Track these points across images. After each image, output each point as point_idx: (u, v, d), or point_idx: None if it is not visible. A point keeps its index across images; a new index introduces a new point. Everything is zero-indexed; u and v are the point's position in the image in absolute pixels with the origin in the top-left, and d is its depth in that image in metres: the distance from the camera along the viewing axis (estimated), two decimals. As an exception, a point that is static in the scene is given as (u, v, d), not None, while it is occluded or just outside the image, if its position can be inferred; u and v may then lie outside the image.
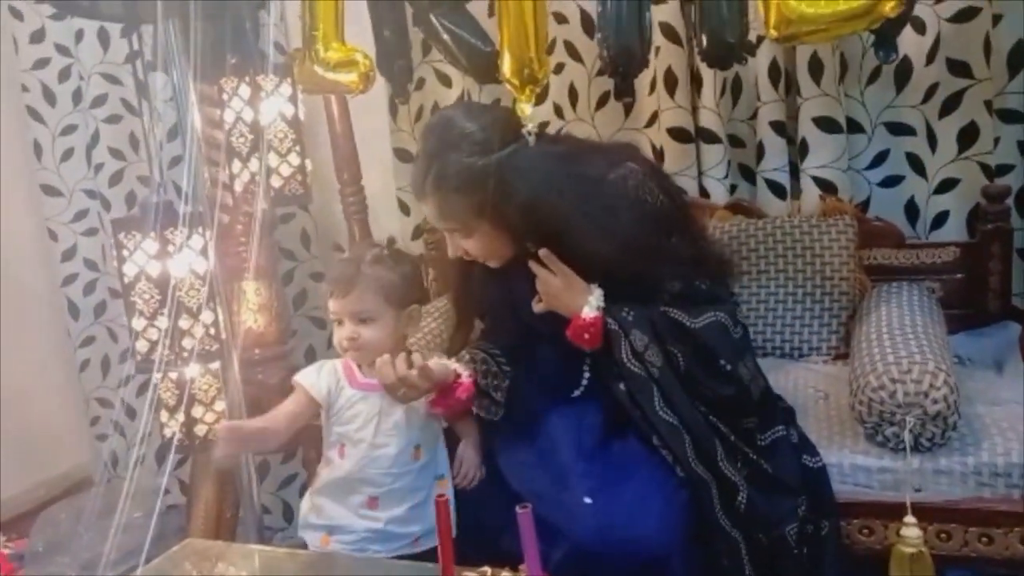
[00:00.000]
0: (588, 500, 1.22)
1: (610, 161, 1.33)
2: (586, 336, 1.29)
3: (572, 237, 1.27)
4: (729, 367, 1.30)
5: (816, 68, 1.87)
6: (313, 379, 1.29)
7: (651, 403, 1.27)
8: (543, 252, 1.30)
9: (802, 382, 1.65)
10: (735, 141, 2.02)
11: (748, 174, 2.04)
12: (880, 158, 1.93)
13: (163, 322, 1.18)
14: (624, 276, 1.29)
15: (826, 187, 1.90)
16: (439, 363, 1.29)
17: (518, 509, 0.89)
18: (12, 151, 2.35)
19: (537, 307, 1.34)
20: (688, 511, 1.24)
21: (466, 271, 1.44)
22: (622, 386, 1.29)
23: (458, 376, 1.30)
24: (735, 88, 2.00)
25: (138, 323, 1.22)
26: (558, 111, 2.16)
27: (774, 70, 1.90)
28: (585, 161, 1.33)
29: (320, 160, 2.03)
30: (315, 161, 1.74)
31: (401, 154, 2.30)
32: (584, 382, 1.39)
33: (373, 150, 2.20)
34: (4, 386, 2.26)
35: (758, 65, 1.91)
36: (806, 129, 1.90)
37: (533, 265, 1.32)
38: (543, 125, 2.11)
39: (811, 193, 1.91)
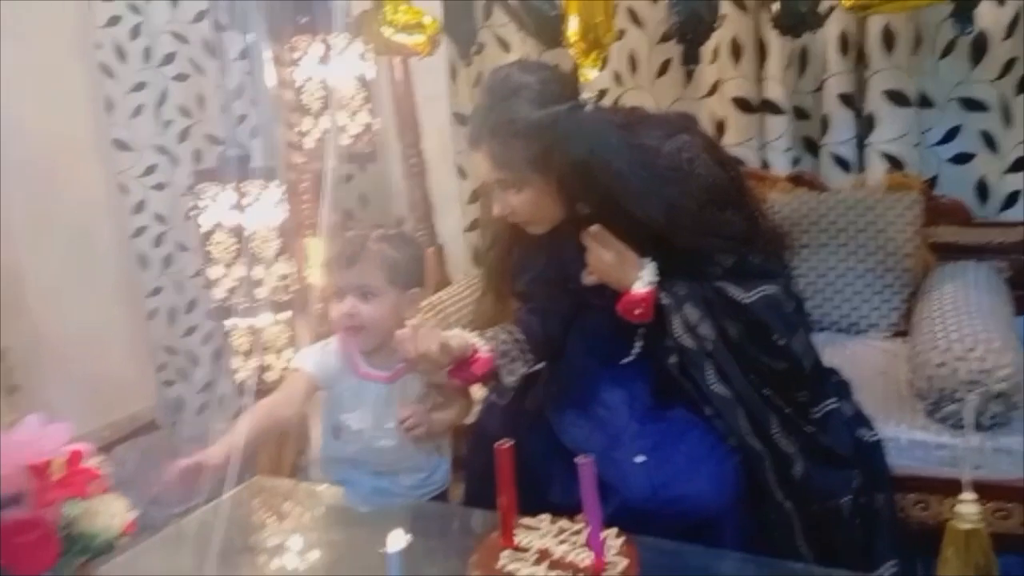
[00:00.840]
0: (640, 459, 1.24)
1: (665, 131, 1.32)
2: (637, 311, 1.29)
3: (625, 203, 1.26)
4: (782, 341, 1.29)
5: (888, 39, 1.82)
6: (316, 361, 1.29)
7: (704, 377, 1.28)
8: (594, 227, 1.30)
9: (860, 358, 1.64)
10: (800, 113, 1.99)
11: (811, 147, 2.00)
12: (951, 134, 1.88)
13: (238, 271, 1.23)
14: (675, 248, 1.29)
15: (893, 162, 1.86)
16: (459, 336, 1.29)
17: (579, 460, 0.92)
18: (85, 107, 2.43)
19: (588, 279, 1.34)
20: (739, 476, 1.25)
21: (509, 237, 1.43)
22: (674, 359, 1.30)
23: (476, 351, 1.30)
24: (802, 59, 1.96)
25: (214, 272, 1.26)
26: (617, 78, 2.14)
27: (843, 41, 1.86)
28: (641, 130, 1.32)
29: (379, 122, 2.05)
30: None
31: (459, 118, 2.31)
32: (635, 350, 1.40)
33: (431, 114, 2.22)
34: (76, 332, 2.36)
35: (827, 35, 1.87)
36: (874, 102, 1.86)
37: (585, 238, 1.31)
38: (600, 94, 2.10)
39: (877, 168, 1.88)
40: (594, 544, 0.91)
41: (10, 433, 0.79)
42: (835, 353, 1.61)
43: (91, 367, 2.39)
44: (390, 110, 1.99)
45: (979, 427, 1.32)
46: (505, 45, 2.24)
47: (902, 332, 1.71)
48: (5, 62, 2.23)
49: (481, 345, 1.30)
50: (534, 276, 1.43)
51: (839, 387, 1.44)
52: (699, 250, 1.30)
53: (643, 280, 1.28)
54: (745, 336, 1.29)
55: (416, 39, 1.52)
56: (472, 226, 2.35)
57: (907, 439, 1.37)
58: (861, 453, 1.34)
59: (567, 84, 1.30)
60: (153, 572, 1.12)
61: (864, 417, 1.40)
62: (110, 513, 0.85)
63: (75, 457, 0.82)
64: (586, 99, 1.27)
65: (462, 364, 1.28)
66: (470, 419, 1.43)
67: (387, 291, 1.27)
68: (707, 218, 1.28)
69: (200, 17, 2.35)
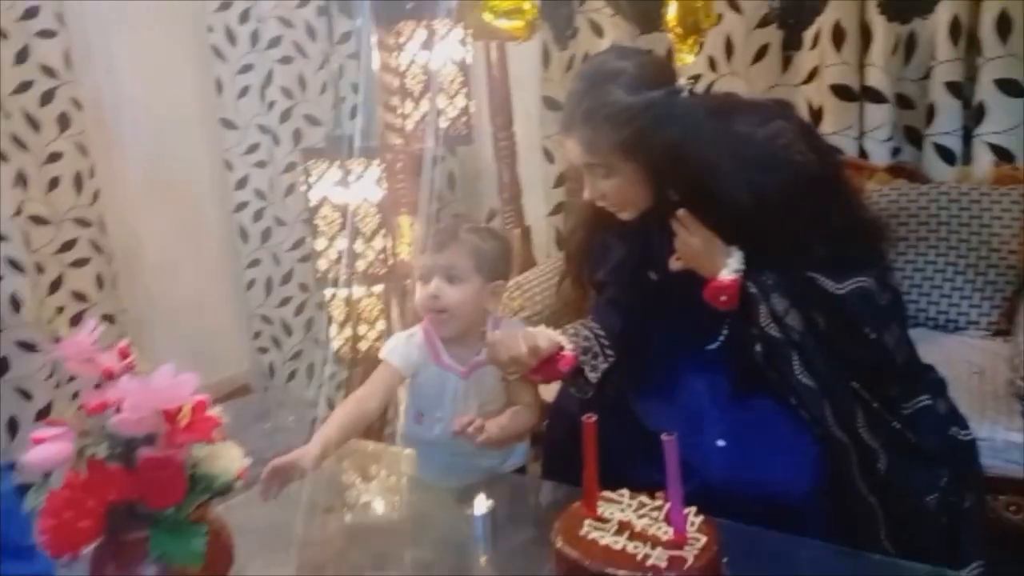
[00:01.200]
0: (721, 443, 1.25)
1: (761, 118, 1.30)
2: (723, 298, 1.28)
3: (717, 190, 1.25)
4: (874, 335, 1.27)
5: (1003, 26, 1.74)
6: (401, 352, 1.33)
7: (790, 367, 1.26)
8: (681, 212, 1.29)
9: (956, 355, 1.59)
10: (903, 101, 1.93)
11: (914, 137, 1.94)
12: (1067, 127, 1.79)
13: (340, 244, 1.29)
14: (767, 236, 1.27)
15: (1002, 155, 1.78)
16: (546, 336, 1.30)
17: (664, 437, 0.94)
18: (197, 87, 2.57)
19: (675, 264, 1.34)
20: (821, 466, 1.24)
21: (593, 223, 1.43)
22: (759, 348, 1.29)
23: (561, 348, 1.31)
24: (908, 45, 1.89)
25: (320, 244, 1.34)
26: (712, 64, 2.12)
27: (955, 27, 1.79)
28: (735, 116, 1.30)
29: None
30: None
31: (549, 102, 2.33)
32: (721, 337, 1.40)
33: (521, 98, 2.25)
34: (183, 298, 2.53)
35: (937, 22, 1.80)
36: (985, 91, 1.78)
37: (674, 224, 1.31)
38: (694, 78, 2.08)
39: (983, 160, 1.81)
40: (675, 519, 0.93)
41: (146, 380, 0.87)
42: (930, 350, 1.56)
43: (194, 331, 2.55)
44: (484, 94, 2.03)
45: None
46: (598, 30, 2.25)
47: (1003, 331, 1.65)
48: (126, 47, 2.40)
49: (566, 343, 1.32)
50: (616, 263, 1.42)
51: (934, 384, 1.40)
52: (791, 239, 1.27)
53: (729, 268, 1.27)
54: (835, 328, 1.27)
55: (515, 24, 1.55)
56: (556, 210, 2.38)
57: (1003, 440, 1.33)
58: (953, 452, 1.31)
59: (664, 70, 1.30)
60: (251, 521, 1.20)
61: (959, 415, 1.36)
62: (229, 458, 0.93)
63: (200, 405, 0.90)
64: (682, 85, 1.27)
65: (547, 361, 1.29)
66: (550, 397, 1.46)
67: (472, 277, 1.30)
68: (801, 207, 1.26)
69: (304, 3, 2.45)
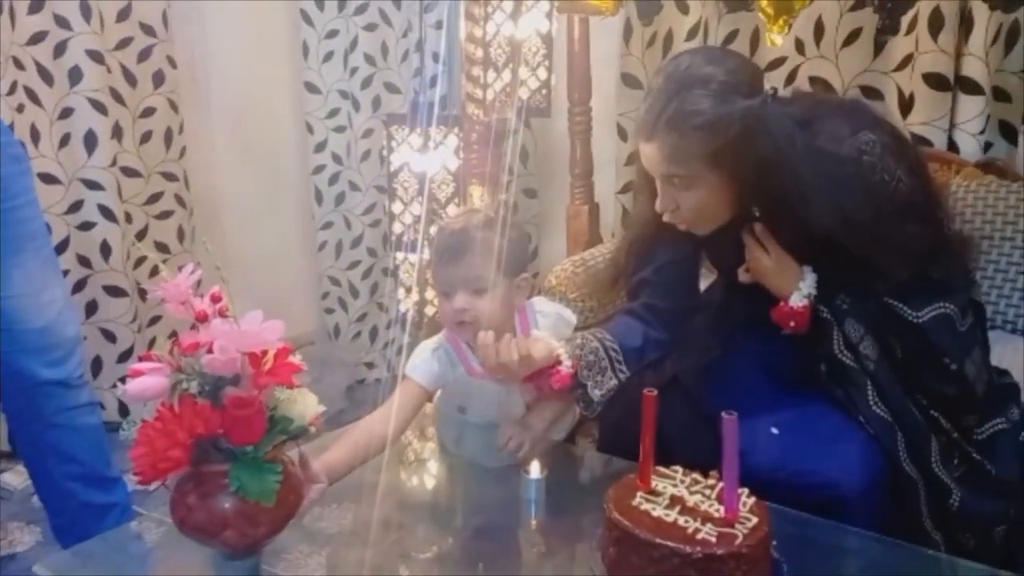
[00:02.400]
0: (775, 430, 1.24)
1: (850, 128, 1.21)
2: (792, 323, 1.24)
3: (802, 208, 1.18)
4: (954, 366, 1.21)
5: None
6: (425, 370, 1.25)
7: (864, 397, 1.22)
8: (759, 227, 1.25)
9: (1035, 361, 1.53)
10: (1000, 94, 1.84)
11: (1009, 132, 1.85)
12: None
13: (415, 209, 1.33)
14: (845, 259, 1.21)
15: (1100, 155, 1.69)
16: (543, 346, 1.23)
17: (724, 415, 0.94)
18: (285, 50, 2.65)
19: (743, 277, 1.30)
20: (876, 460, 1.20)
21: (656, 232, 1.33)
22: (824, 367, 1.24)
23: (558, 362, 1.24)
24: (1011, 35, 1.80)
25: (397, 207, 1.37)
26: (799, 47, 2.06)
27: (1064, 17, 1.70)
28: (821, 126, 1.22)
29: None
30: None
31: (628, 79, 2.31)
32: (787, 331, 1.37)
33: (600, 74, 2.24)
34: (259, 254, 2.62)
35: (1044, 11, 1.71)
36: (1088, 87, 1.69)
37: (746, 238, 1.26)
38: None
39: (1082, 160, 1.72)
40: (728, 496, 0.94)
41: (236, 324, 0.93)
42: (1004, 353, 1.51)
43: (268, 288, 2.64)
44: (563, 67, 2.03)
45: None
46: (684, 7, 2.20)
47: (1089, 339, 1.58)
48: (219, 8, 2.48)
49: (565, 357, 1.24)
50: (669, 261, 1.35)
51: (1009, 390, 1.35)
52: (871, 262, 1.21)
53: (801, 292, 1.23)
54: (913, 356, 1.22)
55: (604, -1, 1.55)
56: (625, 188, 2.36)
57: (1076, 448, 1.28)
58: (1024, 458, 1.27)
59: (754, 75, 1.22)
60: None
61: (1033, 422, 1.32)
62: (305, 403, 0.98)
63: (283, 351, 0.95)
64: (768, 92, 1.18)
65: (541, 373, 1.24)
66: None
67: (498, 281, 1.21)
68: (886, 230, 1.18)
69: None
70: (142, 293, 2.37)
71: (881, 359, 1.22)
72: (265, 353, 0.93)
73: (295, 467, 1.03)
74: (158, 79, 2.33)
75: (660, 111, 1.18)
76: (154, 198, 2.39)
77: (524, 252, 1.30)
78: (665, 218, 1.26)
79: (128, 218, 2.33)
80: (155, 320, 2.45)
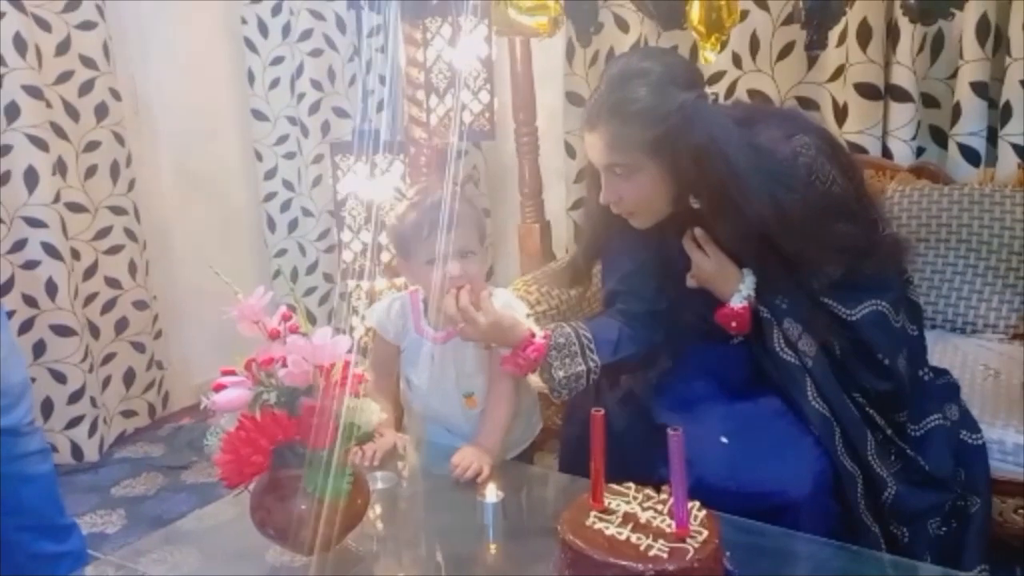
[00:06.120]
0: (724, 440, 1.26)
1: (785, 131, 1.27)
2: (733, 324, 1.28)
3: (737, 200, 1.22)
4: (887, 361, 1.26)
5: (1033, 26, 1.72)
6: (385, 326, 1.39)
7: (803, 393, 1.26)
8: (698, 232, 1.29)
9: (971, 358, 1.59)
10: (928, 101, 1.92)
11: (939, 137, 1.93)
12: (1095, 129, 1.76)
13: (365, 237, 1.33)
14: (783, 257, 1.25)
15: (1027, 157, 1.77)
16: (509, 314, 1.30)
17: (669, 431, 0.96)
18: (229, 78, 2.63)
19: (690, 282, 1.34)
20: (820, 461, 1.24)
21: (608, 231, 1.38)
22: (771, 373, 1.28)
23: (532, 336, 1.29)
24: (935, 44, 1.88)
25: (346, 235, 1.38)
26: (736, 61, 2.12)
27: (983, 26, 1.77)
28: (759, 128, 1.28)
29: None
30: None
31: (573, 97, 2.34)
32: (736, 339, 1.40)
33: (544, 94, 2.27)
34: (211, 286, 2.58)
35: (964, 21, 1.79)
36: (1012, 92, 1.77)
37: (687, 245, 1.31)
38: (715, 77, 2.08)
39: (1008, 161, 1.79)
40: (678, 512, 0.96)
41: (308, 340, 1.00)
42: (945, 352, 1.57)
43: (222, 319, 2.61)
44: (508, 89, 2.06)
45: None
46: (624, 25, 2.25)
47: (1020, 335, 1.64)
48: (162, 39, 2.46)
49: (538, 331, 1.30)
50: (631, 271, 1.39)
51: (948, 389, 1.40)
52: (807, 261, 1.26)
53: (741, 293, 1.27)
54: (849, 353, 1.26)
55: (540, 20, 1.57)
56: (575, 205, 2.39)
57: (1012, 443, 1.33)
58: (962, 456, 1.31)
59: (691, 72, 1.29)
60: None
61: (971, 420, 1.37)
62: (369, 411, 1.07)
63: (348, 364, 1.02)
64: (708, 93, 1.25)
65: (516, 348, 1.28)
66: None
67: (479, 247, 1.33)
68: (820, 228, 1.23)
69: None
70: (94, 330, 2.32)
71: (820, 356, 1.26)
72: (333, 366, 1.00)
73: (361, 470, 1.10)
74: (101, 112, 2.30)
75: (602, 101, 1.24)
76: (103, 233, 2.35)
77: (484, 221, 1.41)
78: (612, 209, 1.30)
79: (75, 255, 2.28)
80: (109, 358, 2.40)
